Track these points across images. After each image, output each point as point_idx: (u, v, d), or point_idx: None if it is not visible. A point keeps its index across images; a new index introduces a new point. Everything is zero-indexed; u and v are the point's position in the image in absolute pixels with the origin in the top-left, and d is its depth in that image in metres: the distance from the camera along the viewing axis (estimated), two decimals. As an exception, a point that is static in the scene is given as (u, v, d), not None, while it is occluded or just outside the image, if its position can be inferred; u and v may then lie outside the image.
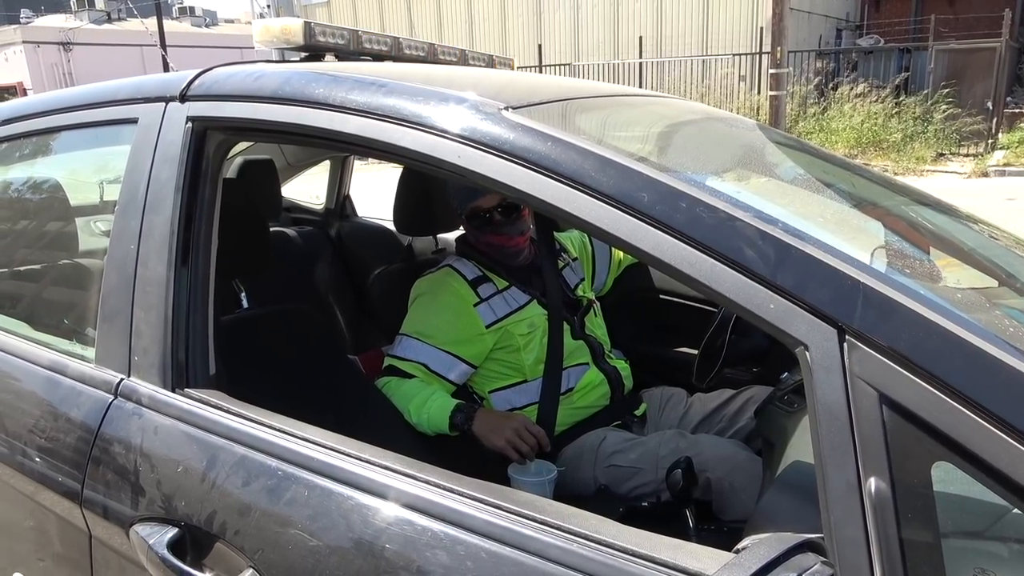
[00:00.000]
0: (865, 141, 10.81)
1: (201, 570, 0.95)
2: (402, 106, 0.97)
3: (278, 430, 0.97)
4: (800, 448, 1.05)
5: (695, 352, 2.27)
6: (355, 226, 2.91)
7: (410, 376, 1.72)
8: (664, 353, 2.29)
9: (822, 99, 11.84)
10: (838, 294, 0.70)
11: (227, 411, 1.02)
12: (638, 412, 1.91)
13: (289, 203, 3.02)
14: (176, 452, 1.02)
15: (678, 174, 0.90)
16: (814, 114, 11.45)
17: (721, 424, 1.82)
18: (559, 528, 0.77)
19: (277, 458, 0.94)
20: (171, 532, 0.97)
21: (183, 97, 1.18)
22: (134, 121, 1.23)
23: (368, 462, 0.90)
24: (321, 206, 3.03)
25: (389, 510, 0.85)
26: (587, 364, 1.86)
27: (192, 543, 0.97)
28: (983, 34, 12.07)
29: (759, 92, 11.82)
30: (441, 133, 0.93)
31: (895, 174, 9.73)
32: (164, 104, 1.20)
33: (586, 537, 0.76)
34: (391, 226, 2.91)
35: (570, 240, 2.14)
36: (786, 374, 1.42)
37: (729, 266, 0.73)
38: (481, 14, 15.75)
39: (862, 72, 12.76)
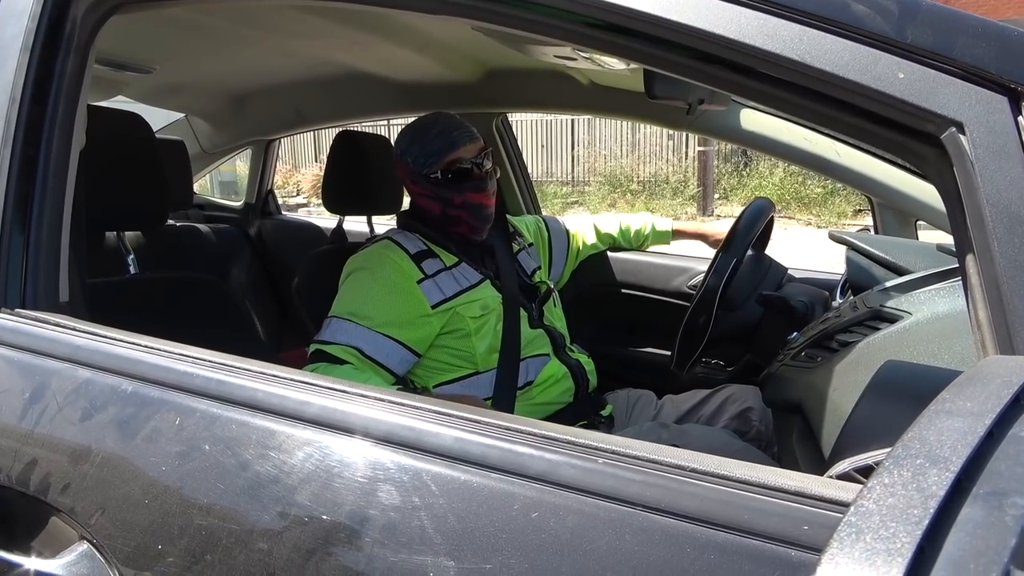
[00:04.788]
0: (788, 197, 11.17)
1: (9, 549, 0.61)
2: None
3: (142, 346, 0.66)
4: (849, 392, 0.83)
5: (661, 352, 2.08)
6: (278, 224, 2.60)
7: (342, 362, 1.41)
8: (627, 353, 2.06)
9: (745, 155, 12.27)
10: (1003, 47, 0.47)
11: (71, 329, 0.70)
12: (604, 412, 1.66)
13: (203, 200, 2.69)
14: (-14, 384, 0.69)
15: None
16: (735, 171, 11.81)
17: (698, 426, 1.59)
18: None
19: (137, 379, 0.62)
20: (-35, 499, 0.63)
21: None
22: None
23: (281, 378, 0.60)
24: (240, 203, 2.70)
25: (314, 436, 0.55)
26: (548, 355, 1.60)
27: (-3, 514, 0.64)
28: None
29: (686, 145, 12.14)
30: None
31: (817, 227, 10.05)
32: None
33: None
34: (321, 222, 2.64)
35: (524, 224, 1.90)
36: (795, 334, 1.20)
37: (828, 30, 0.49)
38: None
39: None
